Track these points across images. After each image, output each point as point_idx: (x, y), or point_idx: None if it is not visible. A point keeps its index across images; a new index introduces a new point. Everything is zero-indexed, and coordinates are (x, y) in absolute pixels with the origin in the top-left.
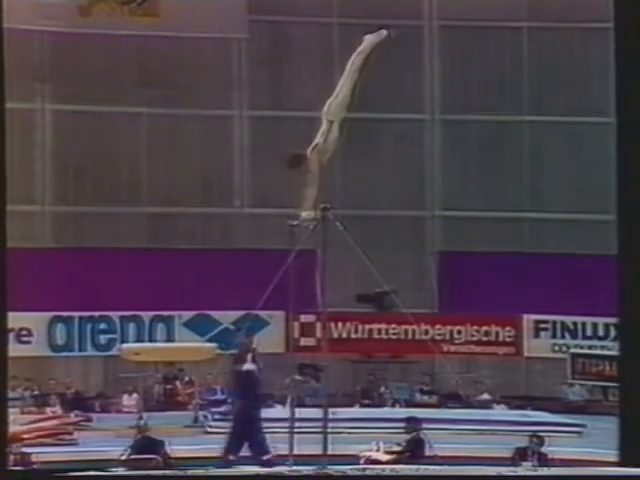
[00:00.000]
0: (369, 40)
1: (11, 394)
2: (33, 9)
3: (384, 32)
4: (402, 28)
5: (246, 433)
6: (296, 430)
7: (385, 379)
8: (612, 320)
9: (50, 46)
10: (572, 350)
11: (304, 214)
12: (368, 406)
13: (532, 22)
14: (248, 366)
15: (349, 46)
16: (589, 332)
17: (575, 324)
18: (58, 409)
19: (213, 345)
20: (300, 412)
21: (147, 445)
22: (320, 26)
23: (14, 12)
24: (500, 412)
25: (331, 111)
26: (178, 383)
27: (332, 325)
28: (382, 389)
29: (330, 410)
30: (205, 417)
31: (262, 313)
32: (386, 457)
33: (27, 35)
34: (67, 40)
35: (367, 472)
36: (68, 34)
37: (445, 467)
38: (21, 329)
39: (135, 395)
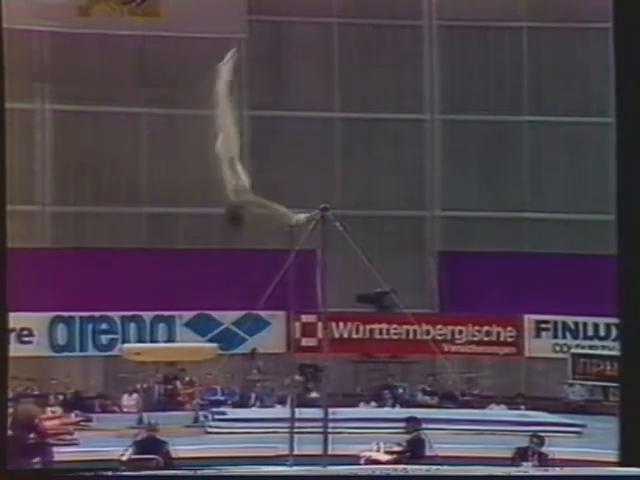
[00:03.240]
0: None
1: (11, 394)
2: (33, 9)
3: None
4: (402, 28)
5: None
6: (296, 430)
7: (386, 379)
8: (613, 320)
9: (50, 46)
10: (573, 350)
11: (300, 218)
12: (369, 406)
13: (532, 22)
14: None
15: (348, 46)
16: (590, 332)
17: (576, 324)
18: (59, 409)
19: (214, 345)
20: (300, 412)
21: (151, 445)
22: (320, 26)
23: (14, 12)
24: (500, 412)
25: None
26: (179, 383)
27: (333, 325)
28: (383, 389)
29: (330, 410)
30: (205, 417)
31: (263, 313)
32: (386, 457)
33: (27, 35)
34: (67, 40)
35: (377, 472)
36: (68, 34)
37: (454, 467)
38: (22, 329)
39: (135, 395)
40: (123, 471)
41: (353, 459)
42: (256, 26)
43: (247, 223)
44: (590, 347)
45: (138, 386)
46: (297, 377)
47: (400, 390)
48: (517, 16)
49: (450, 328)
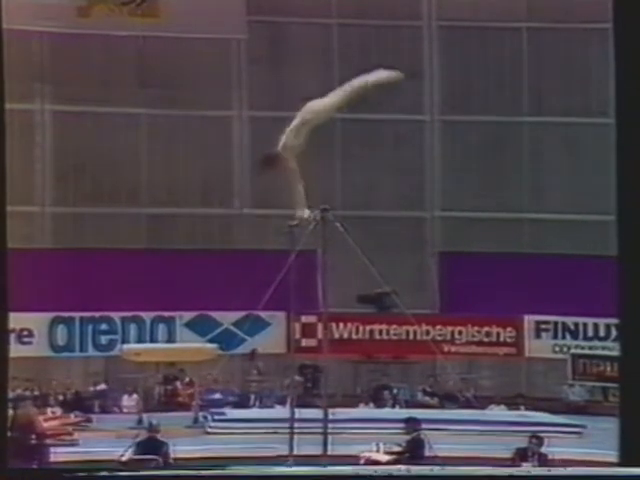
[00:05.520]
0: (381, 75)
1: (11, 394)
2: (32, 10)
3: (399, 75)
4: (401, 28)
5: None
6: (296, 431)
7: (386, 380)
8: (613, 321)
9: (50, 46)
10: (573, 351)
11: (303, 214)
12: (368, 407)
13: (531, 22)
14: None
15: (348, 46)
16: (590, 333)
17: (576, 325)
18: (58, 410)
19: (214, 346)
20: (300, 413)
21: (151, 446)
22: (319, 26)
23: (14, 12)
24: (500, 413)
25: (313, 110)
26: (178, 384)
27: (333, 326)
28: (383, 390)
29: (330, 411)
30: (205, 418)
31: (263, 314)
32: (386, 458)
33: (27, 35)
34: (67, 41)
35: (378, 472)
36: (67, 35)
37: (456, 468)
38: (22, 329)
39: (135, 396)
40: (123, 472)
41: (353, 460)
42: (255, 26)
43: (273, 173)
44: (590, 348)
45: (138, 387)
46: (297, 378)
47: (400, 391)
48: (517, 16)
49: (450, 329)
